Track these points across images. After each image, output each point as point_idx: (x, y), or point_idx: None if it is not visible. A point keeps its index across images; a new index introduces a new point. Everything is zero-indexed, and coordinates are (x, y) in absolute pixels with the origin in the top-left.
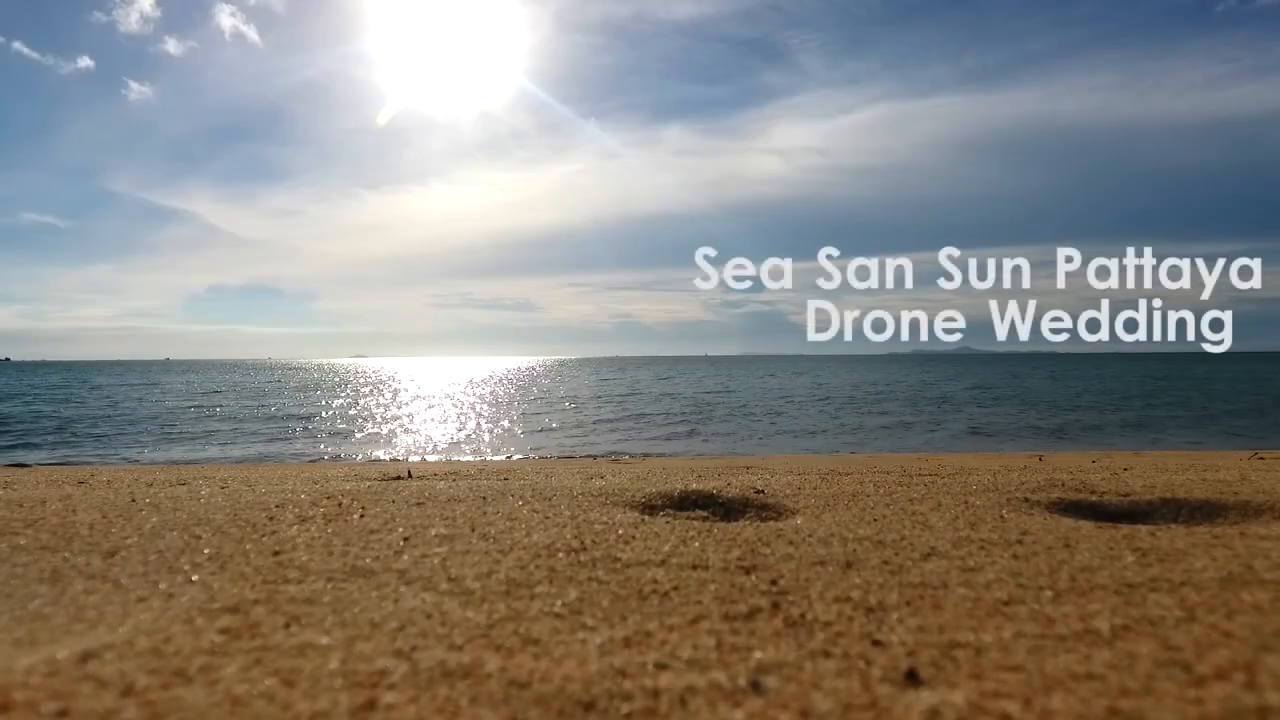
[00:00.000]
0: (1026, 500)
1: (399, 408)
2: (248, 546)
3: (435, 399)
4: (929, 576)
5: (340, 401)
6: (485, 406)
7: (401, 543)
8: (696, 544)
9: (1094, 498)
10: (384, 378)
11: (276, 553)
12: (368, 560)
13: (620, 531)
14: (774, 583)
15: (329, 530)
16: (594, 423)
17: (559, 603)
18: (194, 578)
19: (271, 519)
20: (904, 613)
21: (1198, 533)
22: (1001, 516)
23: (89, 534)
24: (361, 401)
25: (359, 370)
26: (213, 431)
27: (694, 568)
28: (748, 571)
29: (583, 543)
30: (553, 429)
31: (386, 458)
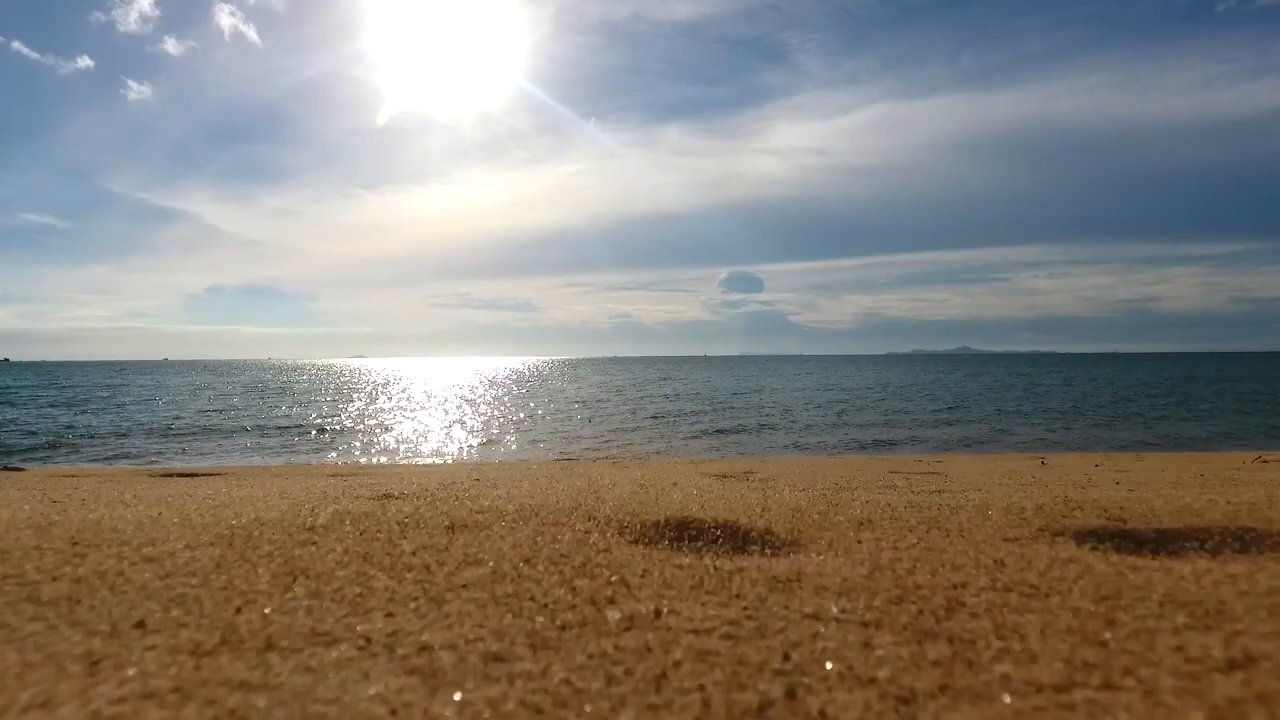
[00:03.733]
0: (1047, 530)
1: (399, 411)
2: (198, 606)
3: (436, 402)
4: (961, 644)
5: (338, 405)
6: (485, 409)
7: (374, 598)
8: (696, 598)
9: (1120, 525)
10: (384, 379)
11: (239, 609)
12: (330, 622)
13: (611, 578)
14: (786, 656)
15: (295, 579)
16: (598, 428)
17: (541, 688)
18: (127, 647)
19: (238, 556)
20: (939, 704)
21: (1239, 576)
22: (1026, 558)
23: (15, 585)
24: (359, 405)
25: (358, 371)
26: (210, 436)
27: (694, 632)
28: (756, 636)
29: (571, 594)
30: (554, 431)
31: (384, 460)
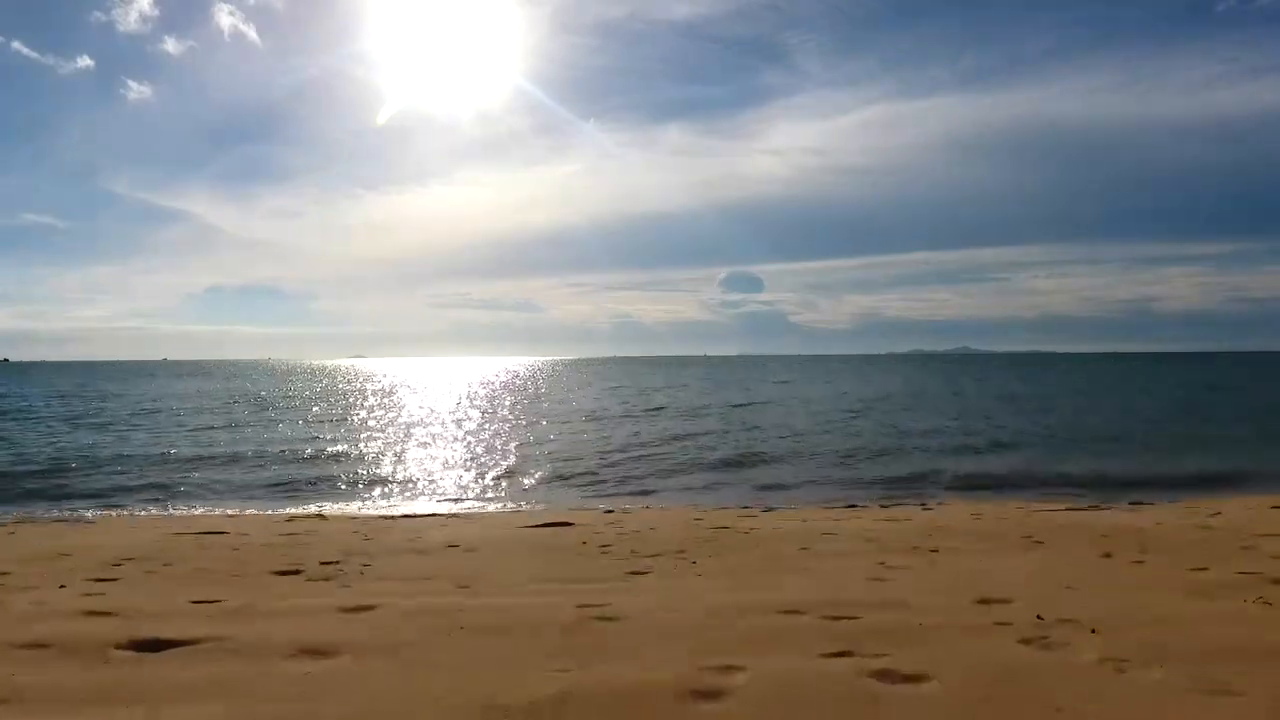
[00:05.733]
0: None
1: (388, 439)
2: None
3: (432, 421)
4: None
5: (330, 427)
6: (483, 431)
7: None
8: None
9: None
10: (383, 387)
11: None
12: None
13: None
14: None
15: None
16: (602, 459)
17: None
18: None
19: None
20: None
21: None
22: None
23: None
24: (350, 428)
25: (358, 374)
26: (201, 468)
27: None
28: None
29: None
30: (557, 457)
31: (374, 508)
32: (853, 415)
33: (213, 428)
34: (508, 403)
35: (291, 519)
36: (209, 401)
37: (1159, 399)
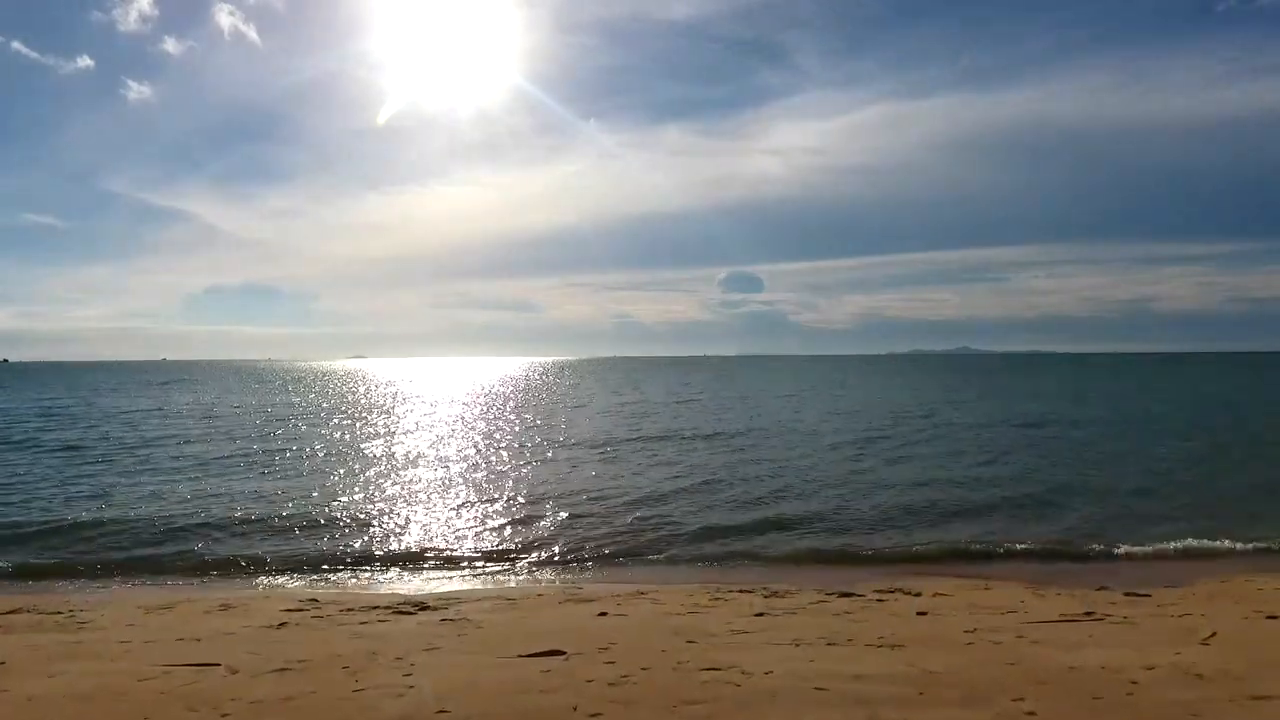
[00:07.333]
0: None
1: (394, 479)
2: None
3: (434, 452)
4: None
5: (338, 463)
6: (478, 479)
7: None
8: None
9: None
10: (385, 399)
11: None
12: None
13: None
14: None
15: None
16: (611, 521)
17: None
18: None
19: None
20: None
21: None
22: None
23: None
24: (356, 461)
25: (360, 380)
26: (200, 538)
27: None
28: None
29: None
30: (554, 529)
31: (367, 590)
32: (867, 441)
33: (219, 459)
34: (512, 428)
35: (283, 624)
36: (212, 424)
37: (1177, 424)
